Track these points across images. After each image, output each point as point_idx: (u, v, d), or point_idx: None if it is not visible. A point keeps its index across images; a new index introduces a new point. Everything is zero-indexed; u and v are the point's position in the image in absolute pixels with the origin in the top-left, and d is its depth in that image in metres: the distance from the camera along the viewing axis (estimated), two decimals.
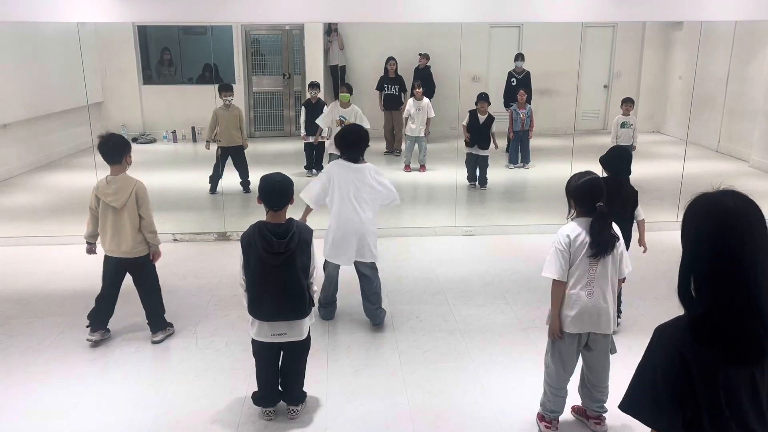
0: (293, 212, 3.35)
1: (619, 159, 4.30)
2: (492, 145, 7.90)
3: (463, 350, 4.05)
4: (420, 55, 9.92)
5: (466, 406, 3.51)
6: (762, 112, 8.94)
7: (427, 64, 9.91)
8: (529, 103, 8.79)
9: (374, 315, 4.42)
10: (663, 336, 1.54)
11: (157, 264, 4.24)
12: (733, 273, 1.45)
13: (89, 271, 5.47)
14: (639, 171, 8.31)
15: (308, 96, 8.29)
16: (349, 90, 7.92)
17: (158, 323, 4.25)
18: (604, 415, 3.27)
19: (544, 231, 5.94)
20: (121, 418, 3.41)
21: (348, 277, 4.87)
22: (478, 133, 7.75)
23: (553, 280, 3.09)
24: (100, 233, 4.11)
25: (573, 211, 3.15)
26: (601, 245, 3.00)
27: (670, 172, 7.43)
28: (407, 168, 8.71)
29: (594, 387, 3.23)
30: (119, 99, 10.10)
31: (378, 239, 4.43)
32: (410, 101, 8.63)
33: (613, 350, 3.22)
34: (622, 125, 8.05)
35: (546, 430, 3.25)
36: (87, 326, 4.17)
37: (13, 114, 8.15)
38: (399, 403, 3.53)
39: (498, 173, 8.48)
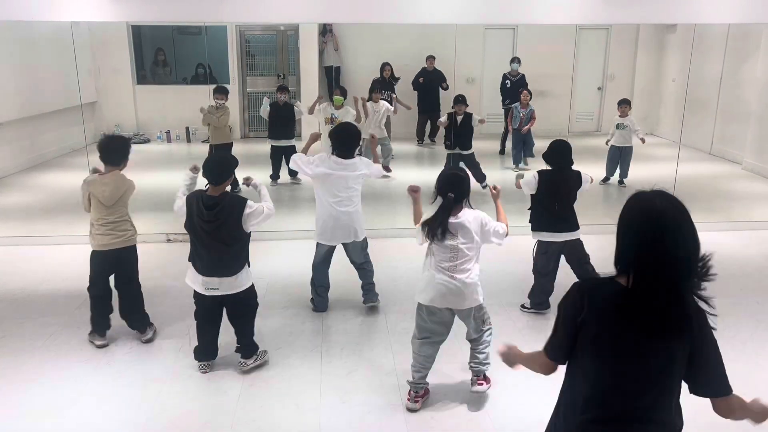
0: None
1: (557, 152, 4.71)
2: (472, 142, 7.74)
3: (457, 351, 4.04)
4: (429, 57, 9.80)
5: (461, 407, 3.51)
6: (755, 114, 8.99)
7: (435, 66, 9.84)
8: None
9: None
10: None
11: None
12: (653, 262, 1.70)
13: (83, 271, 5.45)
14: (632, 173, 8.42)
15: (277, 98, 7.96)
16: (343, 93, 7.89)
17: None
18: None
19: None
20: (115, 418, 3.40)
21: (341, 276, 4.87)
22: (457, 134, 7.65)
23: None
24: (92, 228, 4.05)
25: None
26: (432, 229, 3.29)
27: (663, 174, 7.45)
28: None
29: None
30: (113, 99, 10.06)
31: (365, 240, 4.49)
32: (369, 104, 8.40)
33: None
34: (617, 126, 8.08)
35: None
36: (91, 333, 4.16)
37: (6, 113, 8.11)
38: (393, 403, 3.53)
39: (494, 174, 8.47)
